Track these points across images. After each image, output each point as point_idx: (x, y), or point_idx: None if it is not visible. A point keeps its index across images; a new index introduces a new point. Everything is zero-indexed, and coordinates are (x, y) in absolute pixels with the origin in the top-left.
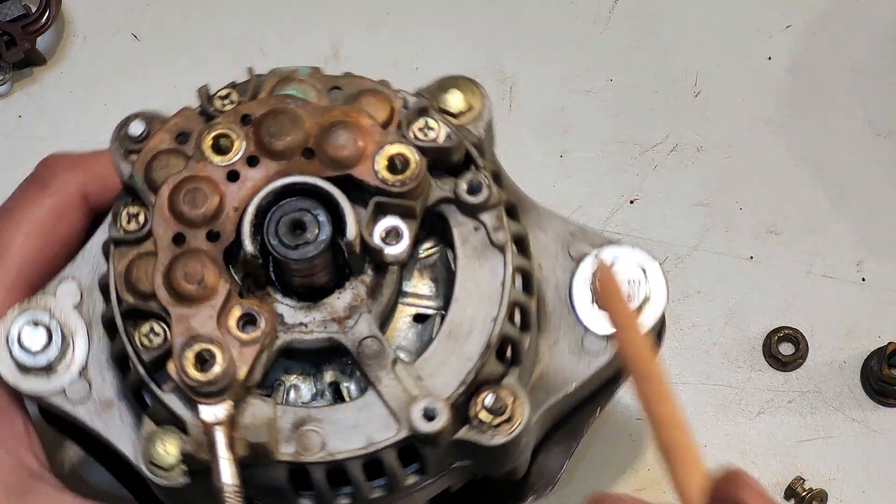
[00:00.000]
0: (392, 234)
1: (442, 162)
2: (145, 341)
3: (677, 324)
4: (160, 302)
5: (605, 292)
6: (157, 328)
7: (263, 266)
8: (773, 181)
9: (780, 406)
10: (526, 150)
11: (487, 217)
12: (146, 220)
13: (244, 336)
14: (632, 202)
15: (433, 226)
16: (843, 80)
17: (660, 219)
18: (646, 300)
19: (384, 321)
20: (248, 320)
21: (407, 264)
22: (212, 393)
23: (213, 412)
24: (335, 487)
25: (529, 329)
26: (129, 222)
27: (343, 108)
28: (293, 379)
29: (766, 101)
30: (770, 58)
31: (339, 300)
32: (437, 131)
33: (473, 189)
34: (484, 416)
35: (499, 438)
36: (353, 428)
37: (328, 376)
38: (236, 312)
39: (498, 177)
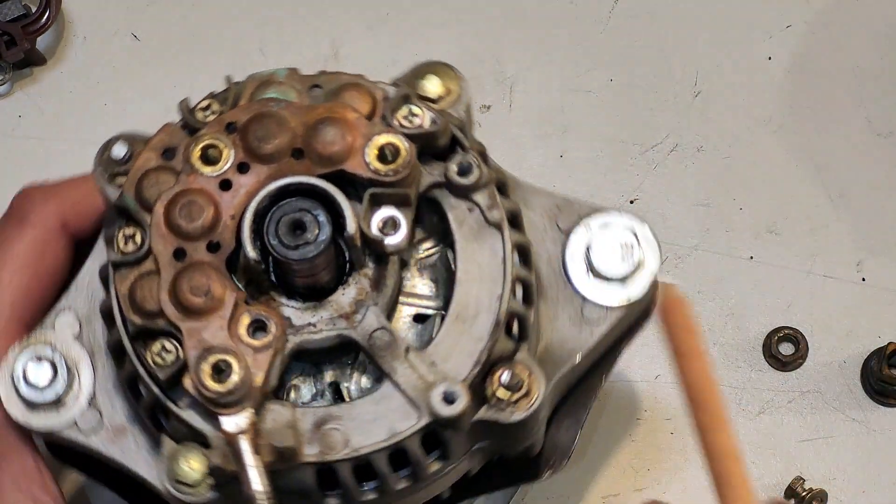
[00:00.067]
0: (390, 224)
1: (429, 147)
2: (158, 360)
3: None
4: (169, 318)
5: (670, 319)
6: (168, 345)
7: (265, 271)
8: (773, 181)
9: (780, 406)
10: (526, 150)
11: (480, 197)
12: (143, 240)
13: (256, 343)
14: (632, 202)
15: (429, 220)
16: (843, 80)
17: (660, 219)
18: (639, 265)
19: (388, 316)
20: (258, 326)
21: (407, 253)
22: (231, 403)
23: (234, 422)
24: (361, 483)
25: (533, 303)
26: (126, 244)
27: (327, 105)
28: (293, 380)
29: (766, 101)
30: (770, 58)
31: (344, 296)
32: (422, 117)
33: (464, 170)
34: (502, 393)
35: (518, 414)
36: (373, 421)
37: (328, 376)
38: (245, 320)
39: (485, 156)
